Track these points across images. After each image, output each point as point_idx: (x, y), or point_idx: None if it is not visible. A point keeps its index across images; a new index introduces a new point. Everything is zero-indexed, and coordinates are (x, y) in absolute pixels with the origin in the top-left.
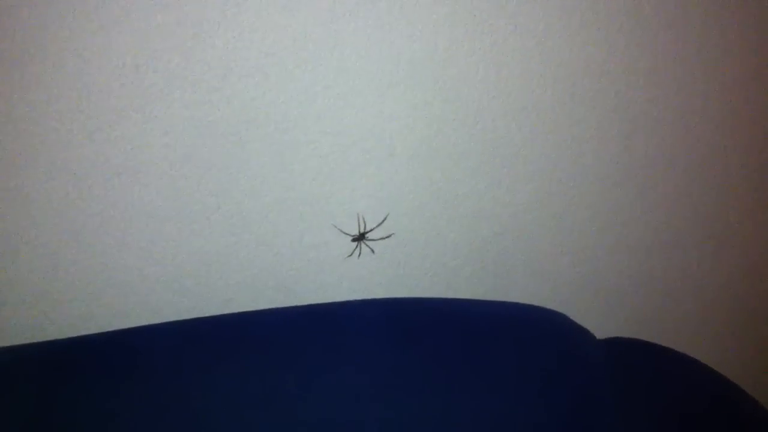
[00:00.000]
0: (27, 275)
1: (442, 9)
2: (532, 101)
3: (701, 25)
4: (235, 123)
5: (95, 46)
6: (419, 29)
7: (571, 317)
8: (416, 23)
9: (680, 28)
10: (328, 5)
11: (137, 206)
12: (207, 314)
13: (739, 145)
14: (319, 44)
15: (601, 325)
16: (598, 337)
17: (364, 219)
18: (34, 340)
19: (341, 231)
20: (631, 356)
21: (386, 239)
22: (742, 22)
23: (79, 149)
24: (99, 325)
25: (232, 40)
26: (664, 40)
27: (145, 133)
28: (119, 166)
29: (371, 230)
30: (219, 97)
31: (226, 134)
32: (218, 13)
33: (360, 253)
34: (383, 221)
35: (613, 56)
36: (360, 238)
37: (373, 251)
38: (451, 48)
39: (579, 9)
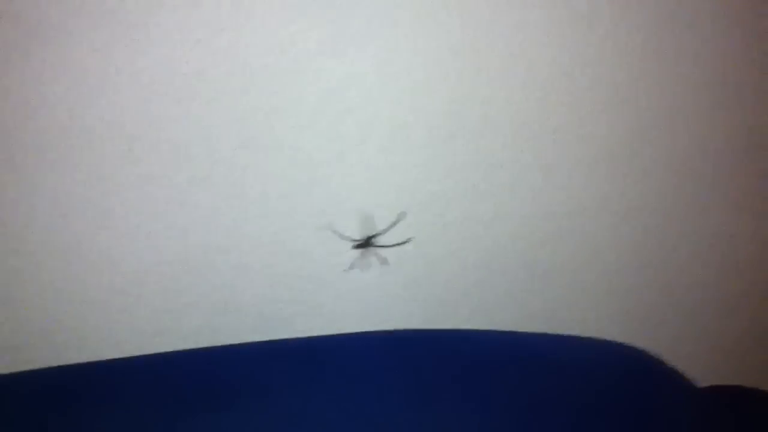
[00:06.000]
0: None
1: None
2: None
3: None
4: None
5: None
6: None
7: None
8: None
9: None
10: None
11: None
12: (177, 348)
13: None
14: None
15: (701, 370)
16: (698, 385)
17: (371, 219)
18: None
19: (340, 235)
20: (740, 408)
21: (403, 245)
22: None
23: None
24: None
25: None
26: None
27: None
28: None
29: (381, 233)
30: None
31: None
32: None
33: (366, 265)
34: (397, 221)
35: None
36: (366, 243)
37: (385, 262)
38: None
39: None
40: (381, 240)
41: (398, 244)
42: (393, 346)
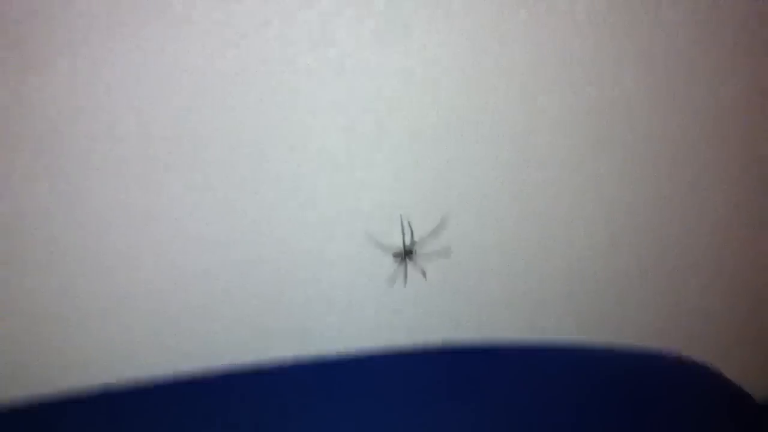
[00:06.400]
0: None
1: None
2: None
3: None
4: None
5: None
6: None
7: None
8: None
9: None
10: None
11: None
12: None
13: None
14: None
15: (759, 384)
16: (758, 401)
17: (410, 226)
18: None
19: (379, 243)
20: None
21: (444, 256)
22: None
23: None
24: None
25: None
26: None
27: None
28: None
29: (421, 241)
30: None
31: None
32: None
33: (407, 277)
34: (439, 227)
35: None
36: (407, 253)
37: (424, 274)
38: None
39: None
40: (421, 249)
41: (440, 255)
42: (435, 360)
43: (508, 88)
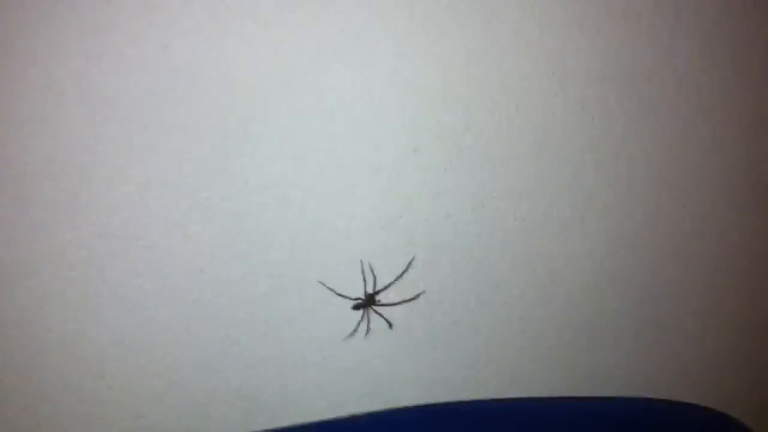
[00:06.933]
0: None
1: None
2: None
3: None
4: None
5: None
6: None
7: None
8: None
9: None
10: None
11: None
12: None
13: None
14: None
15: None
16: None
17: (372, 270)
18: None
19: (335, 293)
20: None
21: (412, 301)
22: None
23: None
24: None
25: None
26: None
27: None
28: None
29: (385, 288)
30: None
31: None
32: None
33: (369, 329)
34: (406, 270)
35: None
36: (368, 301)
37: (390, 324)
38: None
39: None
40: (386, 297)
41: (407, 301)
42: (416, 423)
43: (498, 117)
